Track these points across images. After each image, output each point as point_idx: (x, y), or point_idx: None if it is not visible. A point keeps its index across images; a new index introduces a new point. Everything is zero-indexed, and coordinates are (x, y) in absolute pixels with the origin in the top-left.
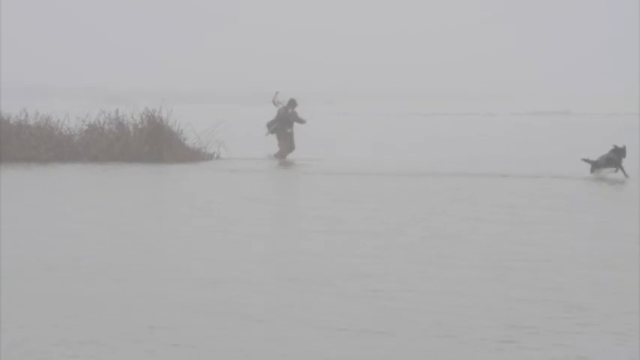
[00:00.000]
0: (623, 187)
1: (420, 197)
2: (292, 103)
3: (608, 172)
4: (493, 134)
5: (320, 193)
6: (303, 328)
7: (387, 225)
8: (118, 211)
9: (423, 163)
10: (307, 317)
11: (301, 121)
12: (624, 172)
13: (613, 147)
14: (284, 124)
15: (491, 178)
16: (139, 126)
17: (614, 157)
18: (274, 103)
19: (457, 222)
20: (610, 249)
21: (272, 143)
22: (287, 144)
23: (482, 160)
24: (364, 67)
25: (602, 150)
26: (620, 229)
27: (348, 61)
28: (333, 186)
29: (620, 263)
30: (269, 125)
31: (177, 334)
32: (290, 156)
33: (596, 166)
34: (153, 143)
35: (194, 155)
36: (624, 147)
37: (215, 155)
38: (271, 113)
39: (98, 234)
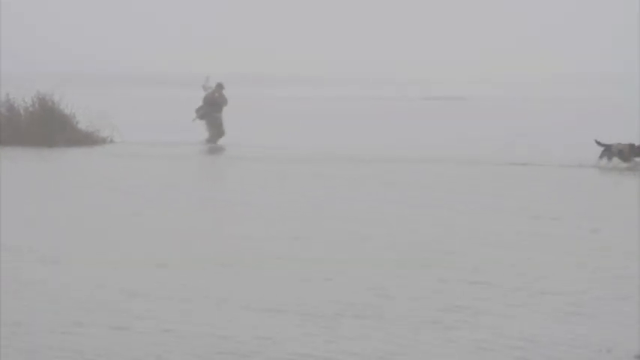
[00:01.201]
0: (540, 169)
1: (338, 182)
2: (219, 86)
3: (618, 163)
4: (392, 119)
5: (237, 177)
6: (234, 310)
7: (309, 210)
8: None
9: (338, 148)
10: (237, 299)
11: (226, 103)
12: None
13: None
14: (212, 108)
15: (404, 162)
16: (30, 109)
17: (627, 153)
18: (204, 88)
19: (377, 206)
20: (528, 230)
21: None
22: (217, 128)
23: (391, 145)
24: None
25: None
26: (535, 211)
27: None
28: (251, 171)
29: (538, 244)
30: (197, 111)
31: (110, 316)
32: (220, 141)
33: (608, 150)
34: (44, 126)
35: (86, 139)
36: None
37: (109, 139)
38: (200, 98)
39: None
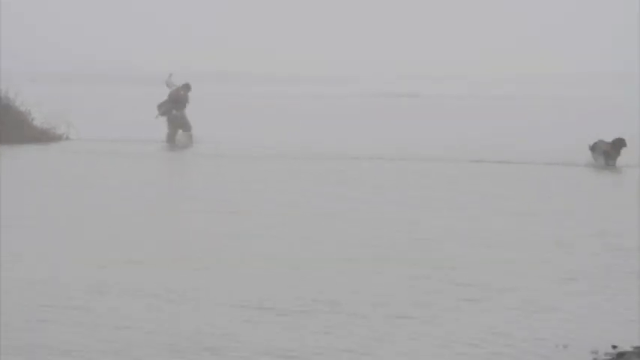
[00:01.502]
0: (500, 167)
1: (296, 179)
2: (186, 87)
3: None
4: (343, 116)
5: (199, 174)
6: (206, 305)
7: (273, 205)
8: None
9: (288, 145)
10: (206, 295)
11: (188, 101)
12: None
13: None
14: (175, 105)
15: (360, 160)
16: None
17: (611, 151)
18: (167, 85)
19: (338, 202)
20: (490, 228)
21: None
22: (179, 127)
23: (343, 142)
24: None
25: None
26: (497, 208)
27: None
28: (214, 167)
29: (501, 241)
30: (159, 107)
31: (86, 313)
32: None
33: (595, 149)
34: None
35: (42, 136)
36: (623, 140)
37: (64, 136)
38: (163, 95)
39: None
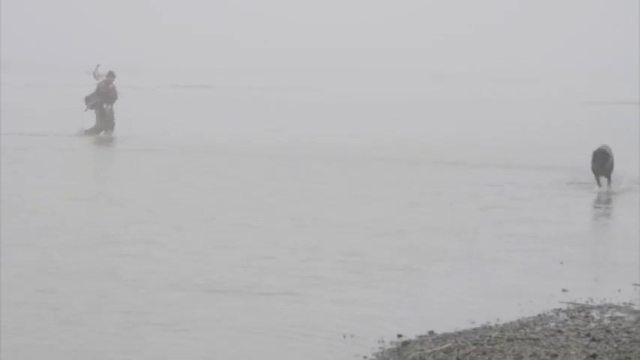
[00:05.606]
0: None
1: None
2: (111, 75)
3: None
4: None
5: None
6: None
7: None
8: None
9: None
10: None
11: (117, 97)
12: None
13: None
14: (104, 99)
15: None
16: None
17: (595, 167)
18: (94, 76)
19: (183, 189)
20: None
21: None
22: (105, 120)
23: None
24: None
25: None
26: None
27: None
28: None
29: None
30: (87, 100)
31: None
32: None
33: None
34: None
35: None
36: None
37: None
38: (91, 86)
39: None
